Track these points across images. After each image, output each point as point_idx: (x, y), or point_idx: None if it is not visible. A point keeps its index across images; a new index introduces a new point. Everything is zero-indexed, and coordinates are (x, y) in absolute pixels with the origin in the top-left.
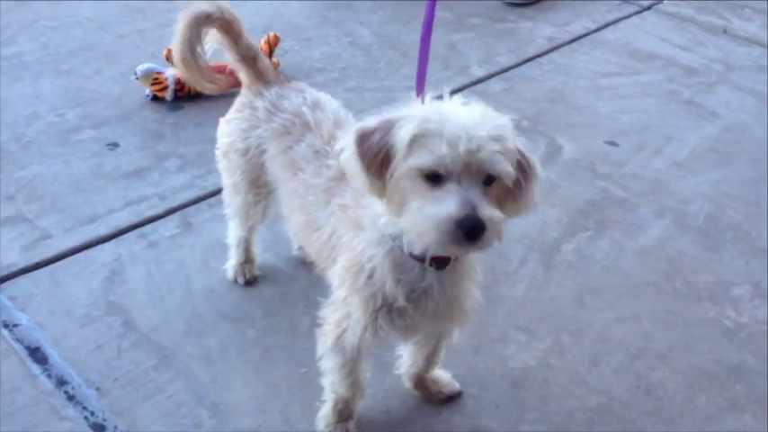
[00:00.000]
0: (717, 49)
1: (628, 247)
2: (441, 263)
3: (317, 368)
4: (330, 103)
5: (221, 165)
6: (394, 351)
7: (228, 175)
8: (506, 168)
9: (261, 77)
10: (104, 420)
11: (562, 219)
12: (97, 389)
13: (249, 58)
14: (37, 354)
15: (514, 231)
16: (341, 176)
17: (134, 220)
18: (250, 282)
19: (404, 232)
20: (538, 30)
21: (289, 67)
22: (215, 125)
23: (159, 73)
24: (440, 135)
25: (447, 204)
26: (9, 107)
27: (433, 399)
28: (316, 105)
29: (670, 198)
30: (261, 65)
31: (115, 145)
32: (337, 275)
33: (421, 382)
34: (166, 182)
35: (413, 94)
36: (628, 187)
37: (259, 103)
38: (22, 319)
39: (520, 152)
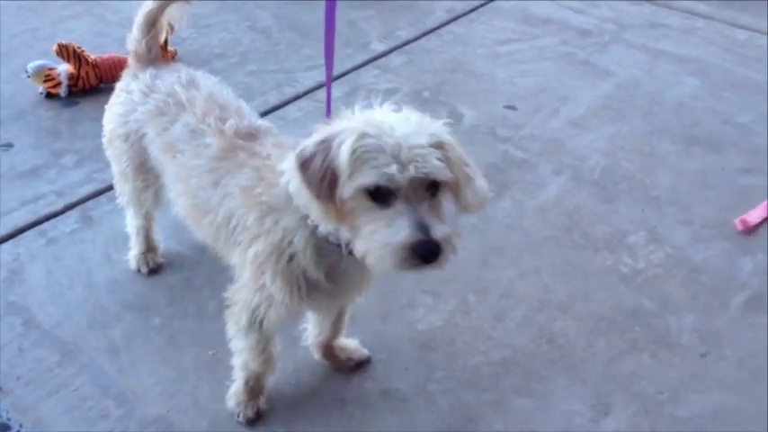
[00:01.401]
0: (610, 10)
1: (528, 205)
2: None
3: (225, 349)
4: (206, 80)
5: (108, 153)
6: (300, 324)
7: (116, 163)
8: (448, 174)
9: (140, 59)
10: (8, 420)
11: None
12: (0, 389)
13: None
14: None
15: None
16: (223, 155)
17: (32, 218)
18: (154, 270)
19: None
20: (437, 3)
21: (188, 55)
22: None
23: (51, 69)
24: (380, 149)
25: (399, 228)
26: None
27: (343, 367)
28: (190, 83)
29: (567, 155)
30: (146, 45)
31: (9, 145)
32: (249, 260)
33: (329, 350)
34: (64, 178)
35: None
36: (527, 148)
37: (134, 85)
38: None
39: (462, 161)
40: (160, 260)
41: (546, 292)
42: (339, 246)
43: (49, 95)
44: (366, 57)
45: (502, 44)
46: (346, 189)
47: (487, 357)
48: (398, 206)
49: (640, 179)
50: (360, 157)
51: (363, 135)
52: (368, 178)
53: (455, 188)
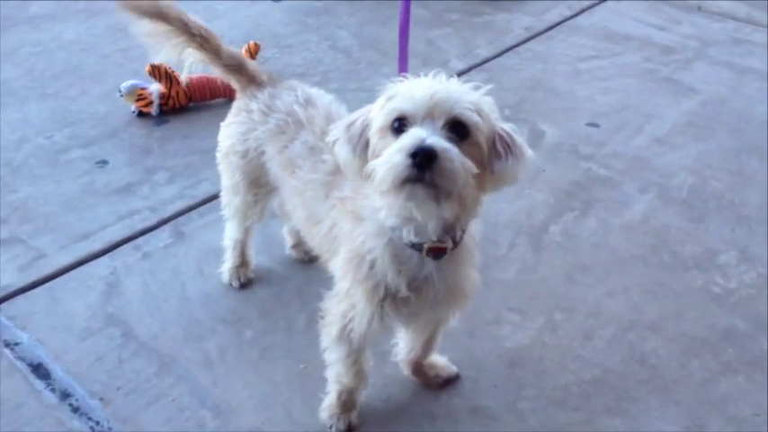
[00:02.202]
0: (692, 26)
1: (614, 223)
2: (438, 253)
3: (315, 363)
4: (322, 98)
5: (221, 166)
6: (391, 339)
7: (228, 177)
8: (473, 118)
9: (252, 81)
10: (110, 429)
11: (548, 201)
12: (101, 399)
13: (235, 66)
14: (39, 370)
15: (503, 217)
16: (337, 170)
17: (127, 233)
18: (245, 284)
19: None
20: (515, 20)
21: None
22: (201, 136)
23: (143, 89)
24: (407, 92)
25: (402, 143)
26: None
27: (432, 383)
28: (308, 102)
29: (653, 173)
30: (249, 69)
31: (104, 162)
32: (339, 267)
33: (419, 367)
34: (156, 194)
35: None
36: (611, 166)
37: (253, 105)
38: (23, 337)
39: (502, 129)
40: (251, 275)
41: (635, 311)
42: (419, 251)
43: (140, 114)
44: (445, 75)
45: (582, 61)
46: (374, 134)
47: (577, 376)
48: (411, 130)
49: (729, 198)
50: (388, 103)
51: (397, 88)
52: (388, 111)
53: (479, 150)
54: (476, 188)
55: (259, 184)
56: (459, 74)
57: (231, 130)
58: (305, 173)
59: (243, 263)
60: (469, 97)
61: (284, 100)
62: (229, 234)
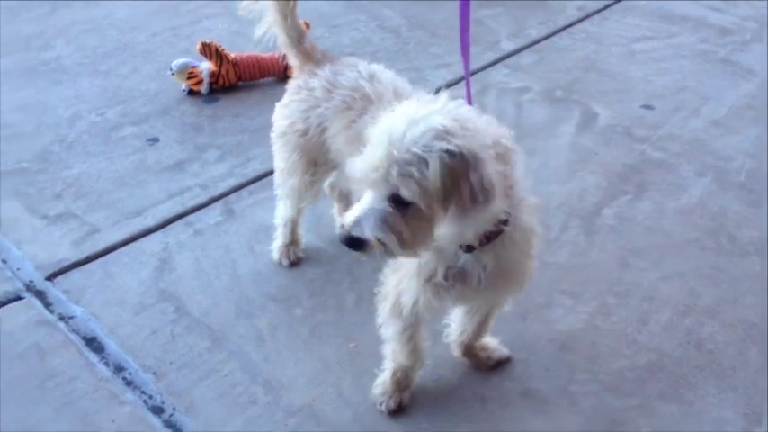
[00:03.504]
0: (750, 8)
1: (669, 207)
2: (469, 246)
3: (365, 342)
4: (385, 74)
5: (276, 147)
6: (442, 320)
7: (284, 157)
8: (411, 191)
9: (309, 57)
10: (163, 403)
11: (601, 184)
12: (154, 373)
13: (296, 37)
14: (93, 343)
15: (554, 199)
16: None
17: (179, 210)
18: (294, 263)
19: None
20: (567, 1)
21: None
22: (251, 115)
23: (194, 67)
24: (360, 161)
25: (350, 213)
26: (50, 110)
27: (483, 365)
28: (372, 78)
29: (710, 156)
30: (307, 44)
31: (155, 140)
32: None
33: (470, 349)
34: (207, 172)
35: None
36: (666, 149)
37: (315, 83)
38: (77, 311)
39: (471, 179)
40: (301, 254)
41: (692, 296)
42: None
43: (190, 92)
44: (496, 56)
45: (637, 42)
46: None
47: (632, 361)
48: (364, 197)
49: None
50: (374, 136)
51: (386, 123)
52: (348, 173)
53: (429, 211)
54: (445, 225)
55: (317, 164)
56: (510, 54)
57: (290, 109)
58: None
59: (293, 241)
60: (418, 157)
61: (348, 76)
62: (281, 213)
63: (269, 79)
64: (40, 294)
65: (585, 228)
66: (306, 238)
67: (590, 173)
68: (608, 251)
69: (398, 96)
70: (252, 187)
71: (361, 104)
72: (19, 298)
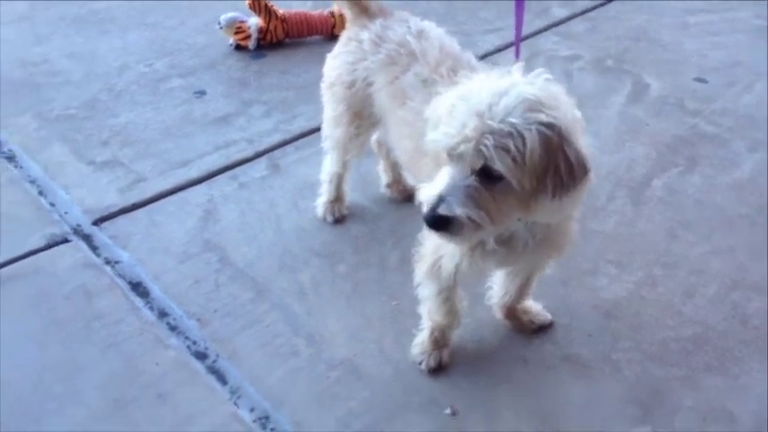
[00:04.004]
0: None
1: (720, 181)
2: None
3: (407, 301)
4: (434, 31)
5: (325, 97)
6: (485, 282)
7: (331, 108)
8: (504, 165)
9: (365, 11)
10: (206, 349)
11: (650, 155)
12: (198, 320)
13: None
14: (139, 288)
15: (602, 168)
16: None
17: (224, 163)
18: (339, 220)
19: None
20: None
21: None
22: (297, 72)
23: (242, 22)
24: (448, 123)
25: (429, 190)
26: (99, 59)
27: (524, 329)
28: (420, 34)
29: (762, 133)
30: None
31: (202, 93)
32: None
33: (512, 312)
34: (253, 127)
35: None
36: (719, 123)
37: (365, 35)
38: (123, 255)
39: (563, 155)
40: (345, 211)
41: (740, 270)
42: None
43: (238, 47)
44: (545, 22)
45: (690, 14)
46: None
47: (677, 332)
48: (443, 173)
49: None
50: (439, 118)
51: (451, 101)
52: (431, 140)
53: (521, 187)
54: (526, 210)
55: (362, 116)
56: (560, 22)
57: (339, 60)
58: (417, 104)
59: (338, 198)
60: (515, 129)
61: (396, 31)
62: (327, 168)
63: (316, 37)
64: (87, 238)
65: (633, 198)
66: (351, 195)
67: (640, 144)
68: (656, 222)
69: (444, 54)
70: (298, 143)
71: (406, 60)
72: (66, 241)
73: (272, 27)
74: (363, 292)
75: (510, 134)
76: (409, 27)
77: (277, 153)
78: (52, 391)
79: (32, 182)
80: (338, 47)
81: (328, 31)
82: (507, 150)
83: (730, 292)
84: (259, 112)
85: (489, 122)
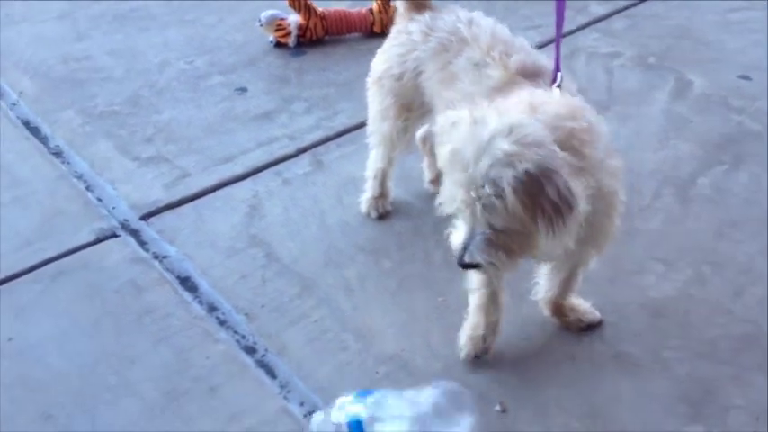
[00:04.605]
0: None
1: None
2: None
3: (453, 297)
4: (484, 20)
5: (371, 92)
6: (531, 279)
7: (378, 102)
8: (496, 223)
9: (418, 6)
10: (255, 343)
11: (696, 153)
12: (246, 314)
13: None
14: (187, 282)
15: (646, 166)
16: (501, 87)
17: (267, 159)
18: (382, 216)
19: None
20: None
21: None
22: (337, 70)
23: (282, 19)
24: (462, 164)
25: (455, 239)
26: (140, 56)
27: (572, 326)
28: (470, 22)
29: None
30: None
31: (243, 90)
32: None
33: (559, 309)
34: (295, 124)
35: None
36: (764, 121)
37: (414, 27)
38: (171, 250)
39: (547, 196)
40: (389, 207)
41: None
42: None
43: (278, 45)
44: (585, 19)
45: (732, 12)
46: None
47: (726, 331)
48: (462, 228)
49: None
50: (449, 162)
51: (451, 148)
52: (439, 201)
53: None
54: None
55: (411, 109)
56: (600, 19)
57: (389, 53)
58: (465, 85)
59: (382, 194)
60: (495, 188)
61: (446, 20)
62: (372, 163)
63: (356, 35)
64: (135, 233)
65: (680, 196)
66: (394, 191)
67: (684, 141)
68: (703, 221)
69: (496, 39)
70: (340, 140)
71: (457, 47)
72: (115, 236)
73: (311, 24)
74: (409, 288)
75: (493, 194)
76: (458, 16)
77: (320, 149)
78: (106, 382)
79: (79, 177)
80: (388, 41)
81: (368, 29)
82: (495, 208)
83: None
84: (300, 109)
85: (473, 190)
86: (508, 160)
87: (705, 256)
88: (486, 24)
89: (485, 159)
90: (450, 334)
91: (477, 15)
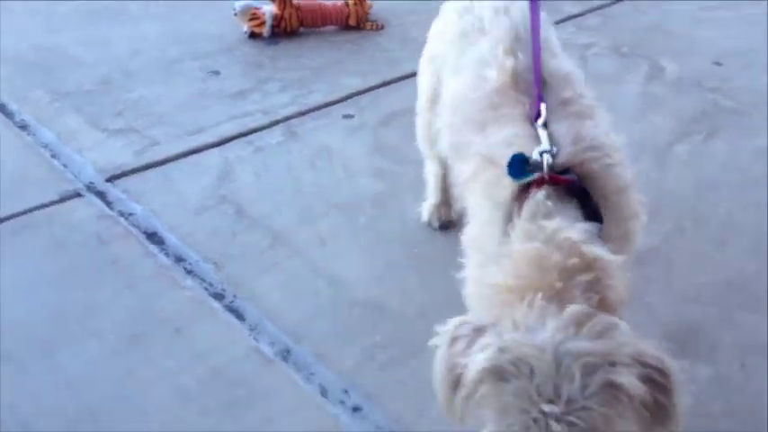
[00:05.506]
0: None
1: (744, 146)
2: None
3: (426, 249)
4: (524, 9)
5: (420, 72)
6: None
7: (419, 93)
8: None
9: None
10: (223, 290)
11: (672, 125)
12: (214, 263)
13: None
14: (154, 237)
15: (621, 138)
16: (501, 91)
17: (239, 130)
18: (445, 226)
19: None
20: None
21: (382, 10)
22: (312, 56)
23: (257, 9)
24: (515, 395)
25: None
26: (113, 45)
27: None
28: (504, 10)
29: None
30: None
31: (217, 72)
32: None
33: None
34: (269, 100)
35: None
36: (738, 99)
37: (451, 5)
38: (137, 208)
39: (644, 363)
40: (453, 215)
41: None
42: None
43: (252, 35)
44: (560, 17)
45: (702, 10)
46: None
47: (711, 277)
48: None
49: None
50: (488, 384)
51: (501, 355)
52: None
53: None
54: None
55: (438, 102)
56: (574, 16)
57: (430, 34)
58: (466, 85)
59: (445, 200)
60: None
61: (483, 4)
62: (428, 166)
63: (330, 27)
64: (100, 194)
65: (658, 161)
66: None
67: (660, 115)
68: (682, 182)
69: (514, 35)
70: (315, 113)
71: (475, 35)
72: (79, 195)
73: (286, 15)
74: (384, 241)
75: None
76: (497, 3)
77: (294, 122)
78: (68, 328)
79: (45, 146)
80: (434, 22)
81: (343, 22)
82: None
83: (763, 242)
84: (275, 88)
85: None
86: (598, 364)
87: (686, 211)
88: (516, 15)
89: (576, 380)
90: (425, 280)
91: (520, 4)
